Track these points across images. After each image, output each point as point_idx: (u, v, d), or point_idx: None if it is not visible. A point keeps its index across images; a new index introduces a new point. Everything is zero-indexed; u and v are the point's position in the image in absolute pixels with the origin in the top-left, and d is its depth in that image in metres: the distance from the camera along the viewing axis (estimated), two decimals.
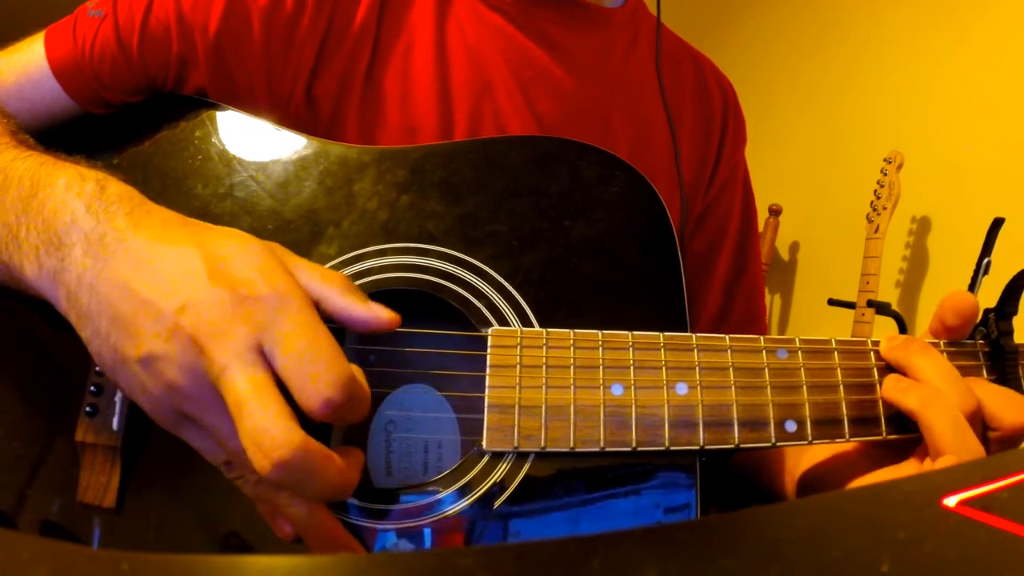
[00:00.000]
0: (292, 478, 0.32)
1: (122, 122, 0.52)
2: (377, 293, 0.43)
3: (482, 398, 0.40)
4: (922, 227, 1.55)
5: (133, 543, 0.41)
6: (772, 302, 2.01)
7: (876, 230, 1.46)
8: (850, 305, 1.49)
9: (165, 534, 0.40)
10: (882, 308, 1.36)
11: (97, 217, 0.36)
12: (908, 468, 0.42)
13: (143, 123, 0.50)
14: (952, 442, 0.37)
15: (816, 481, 0.49)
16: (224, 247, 0.35)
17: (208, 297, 0.33)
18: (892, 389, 0.41)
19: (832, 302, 1.56)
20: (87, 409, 0.42)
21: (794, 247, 1.93)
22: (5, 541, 0.16)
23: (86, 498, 0.41)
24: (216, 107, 0.51)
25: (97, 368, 0.43)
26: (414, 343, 0.43)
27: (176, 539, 0.40)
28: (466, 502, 0.39)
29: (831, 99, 1.81)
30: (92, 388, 0.42)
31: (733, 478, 0.62)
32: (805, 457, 0.52)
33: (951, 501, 0.18)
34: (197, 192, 0.47)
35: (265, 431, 0.31)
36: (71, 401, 0.43)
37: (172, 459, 0.41)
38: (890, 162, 1.47)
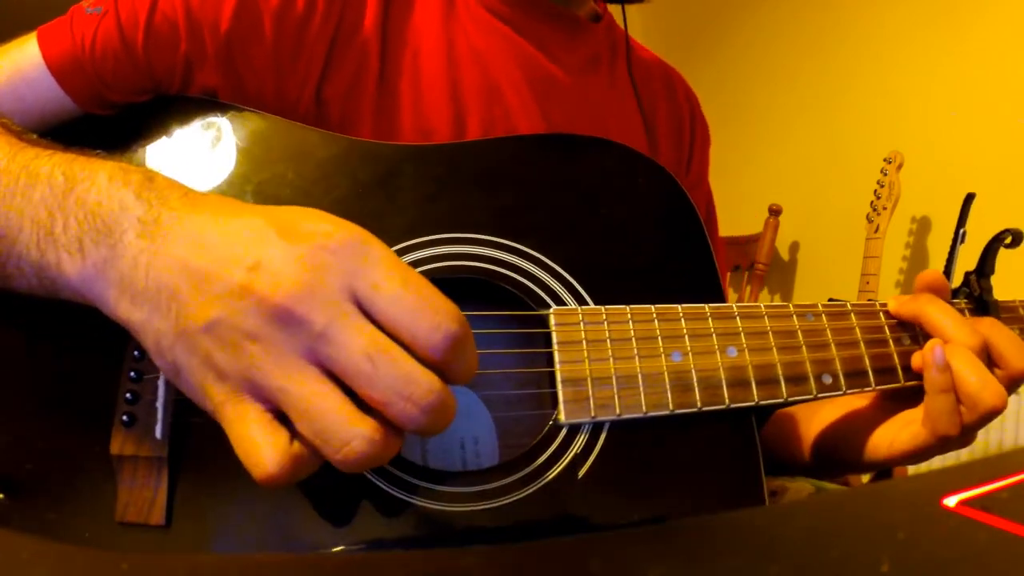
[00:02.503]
0: (434, 420, 0.31)
1: (127, 124, 0.49)
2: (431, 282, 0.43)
3: (541, 376, 0.43)
4: (922, 227, 1.55)
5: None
6: (772, 302, 2.01)
7: (876, 230, 1.46)
8: None
9: (221, 547, 0.38)
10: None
11: (150, 202, 0.34)
12: (918, 409, 0.47)
13: (152, 125, 0.48)
14: (971, 374, 0.44)
15: (835, 440, 0.54)
16: (288, 211, 0.34)
17: (284, 254, 0.31)
18: (918, 357, 0.47)
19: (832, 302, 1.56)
20: (123, 419, 0.38)
21: (794, 247, 1.93)
22: (5, 541, 0.16)
23: (127, 516, 0.37)
24: (230, 107, 0.49)
25: (132, 372, 0.39)
26: (475, 326, 0.43)
27: (234, 550, 0.38)
28: (550, 475, 0.41)
29: (831, 99, 1.81)
30: (128, 396, 0.39)
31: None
32: (815, 420, 0.56)
33: (951, 501, 0.18)
34: (223, 191, 0.45)
35: (411, 378, 0.30)
36: (100, 412, 0.39)
37: (223, 465, 0.37)
38: (890, 162, 1.47)
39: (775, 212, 1.80)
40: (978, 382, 0.44)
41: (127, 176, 0.35)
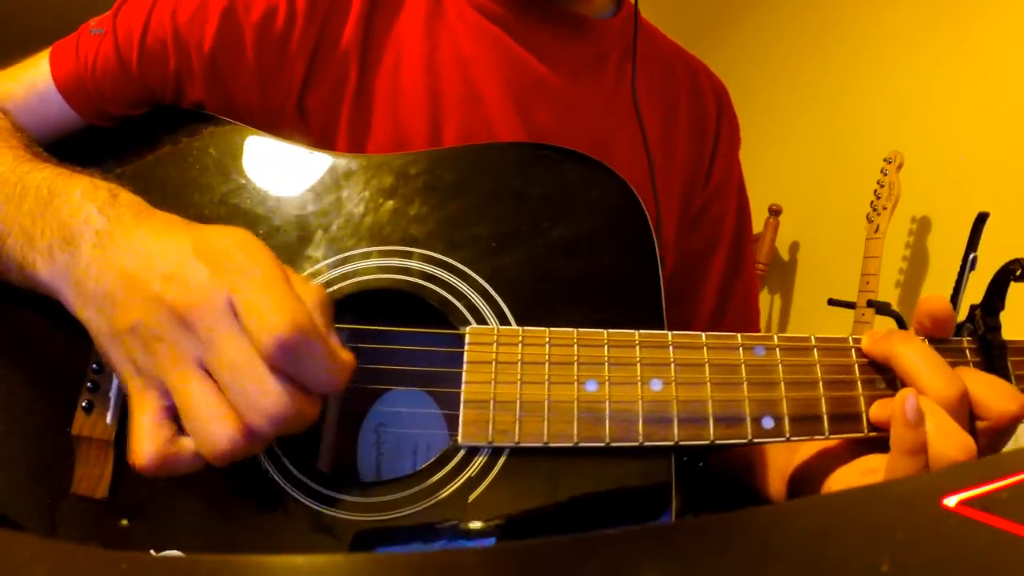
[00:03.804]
0: (281, 429, 0.34)
1: (124, 134, 0.54)
2: (361, 293, 0.44)
3: (456, 393, 0.41)
4: (922, 227, 1.55)
5: (119, 532, 0.42)
6: (772, 302, 2.01)
7: (876, 230, 1.46)
8: (850, 305, 1.49)
9: (154, 524, 0.42)
10: (882, 308, 1.36)
11: (108, 217, 0.40)
12: (884, 459, 0.41)
13: (144, 135, 0.53)
14: (937, 439, 0.37)
15: (806, 478, 0.49)
16: (215, 232, 0.37)
17: (192, 269, 0.35)
18: (877, 408, 0.41)
19: (832, 302, 1.56)
20: (83, 404, 0.44)
21: (794, 247, 1.93)
22: (5, 541, 0.16)
23: (79, 489, 0.42)
24: (213, 119, 0.53)
25: (94, 364, 0.44)
26: (397, 342, 0.44)
27: (165, 529, 0.42)
28: (441, 495, 0.40)
29: (831, 99, 1.81)
30: (89, 384, 0.44)
31: (722, 480, 0.62)
32: (797, 455, 0.51)
33: (951, 501, 0.18)
34: (195, 200, 0.49)
35: (261, 390, 0.33)
36: (68, 397, 0.44)
37: None
38: (890, 162, 1.47)
39: (775, 212, 1.80)
40: (936, 432, 0.38)
41: (96, 192, 0.41)
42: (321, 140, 0.55)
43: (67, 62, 0.53)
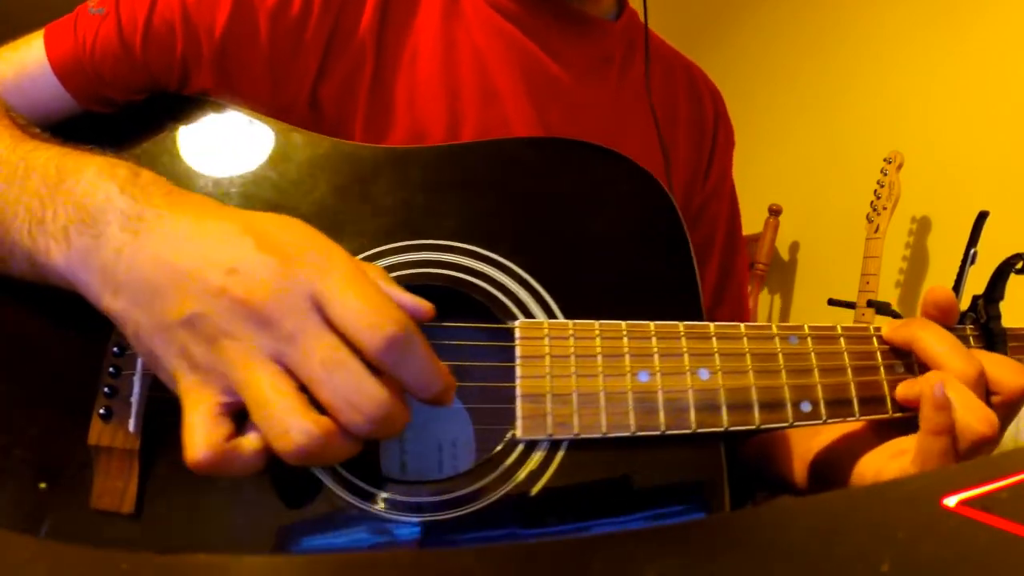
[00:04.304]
0: (379, 429, 0.33)
1: (124, 121, 0.51)
2: None
3: (509, 388, 0.41)
4: (922, 227, 1.55)
5: (153, 550, 0.39)
6: (772, 302, 2.01)
7: (876, 230, 1.46)
8: (850, 305, 1.49)
9: (189, 539, 0.39)
10: (882, 308, 1.36)
11: (134, 197, 0.36)
12: (912, 440, 0.44)
13: (147, 122, 0.50)
14: (964, 415, 0.41)
15: (830, 461, 0.51)
16: (264, 219, 0.36)
17: (258, 260, 0.34)
18: (904, 388, 0.44)
19: (832, 302, 1.56)
20: (101, 412, 0.40)
21: (794, 247, 1.93)
22: (5, 541, 0.16)
23: (101, 504, 0.39)
24: (222, 107, 0.50)
25: (111, 368, 0.41)
26: (441, 337, 0.43)
27: (201, 543, 0.39)
28: (505, 489, 0.40)
29: (831, 99, 1.81)
30: (106, 390, 0.41)
31: (744, 468, 0.63)
32: (816, 440, 0.53)
33: (951, 501, 0.18)
34: (208, 191, 0.46)
35: (360, 388, 0.32)
36: (81, 404, 0.41)
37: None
38: (890, 162, 1.47)
39: (775, 212, 1.80)
40: (963, 409, 0.41)
41: (114, 170, 0.37)
42: (334, 133, 0.53)
43: (64, 42, 0.49)
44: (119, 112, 0.51)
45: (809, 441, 0.54)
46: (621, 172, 0.48)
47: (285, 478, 0.39)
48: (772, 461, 0.59)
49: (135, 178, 0.37)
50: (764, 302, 2.01)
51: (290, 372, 0.33)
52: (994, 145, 1.41)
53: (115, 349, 0.41)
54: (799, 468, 0.55)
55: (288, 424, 0.32)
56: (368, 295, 0.33)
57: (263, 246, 0.34)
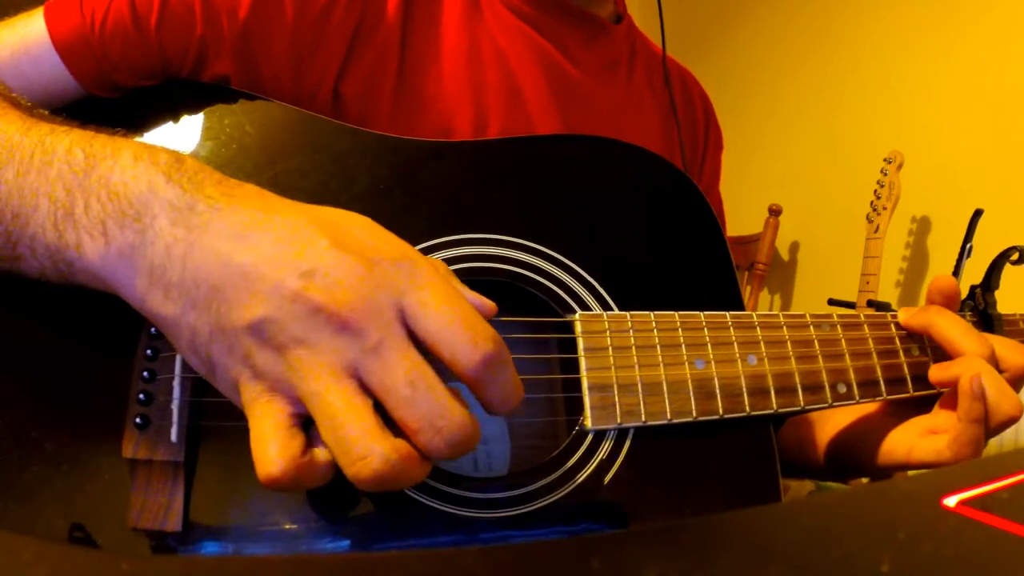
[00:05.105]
0: (457, 454, 0.31)
1: (134, 108, 0.47)
2: None
3: (558, 380, 0.43)
4: (922, 227, 1.55)
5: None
6: (772, 302, 2.01)
7: (876, 230, 1.46)
8: (850, 305, 1.49)
9: (239, 553, 0.36)
10: (882, 308, 1.36)
11: (182, 186, 0.33)
12: (938, 418, 0.48)
13: (160, 110, 0.46)
14: (990, 385, 0.44)
15: (853, 443, 0.54)
16: (336, 215, 0.33)
17: (338, 263, 0.31)
18: (936, 371, 0.48)
19: (832, 302, 1.56)
20: (136, 421, 0.36)
21: (794, 247, 1.93)
22: (5, 541, 0.16)
23: (141, 523, 0.35)
24: (244, 95, 0.47)
25: (144, 372, 0.37)
26: (500, 332, 0.43)
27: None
28: (578, 480, 0.41)
29: (831, 99, 1.81)
30: (140, 397, 0.37)
31: None
32: (829, 425, 0.57)
33: (951, 501, 0.18)
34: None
35: (444, 410, 0.30)
36: (110, 413, 0.37)
37: (244, 470, 0.35)
38: (890, 162, 1.47)
39: (775, 212, 1.80)
40: (996, 393, 0.44)
41: (155, 156, 0.34)
42: (358, 126, 0.51)
43: (69, 19, 0.45)
44: (125, 99, 0.48)
45: (824, 425, 0.58)
46: (657, 170, 0.50)
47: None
48: (789, 448, 0.61)
49: (179, 164, 0.34)
50: (764, 302, 2.01)
51: (365, 388, 0.30)
52: (994, 145, 1.41)
53: (148, 351, 0.38)
54: (816, 453, 0.58)
55: (366, 449, 0.29)
56: (462, 309, 0.31)
57: (342, 245, 0.31)
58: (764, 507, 0.19)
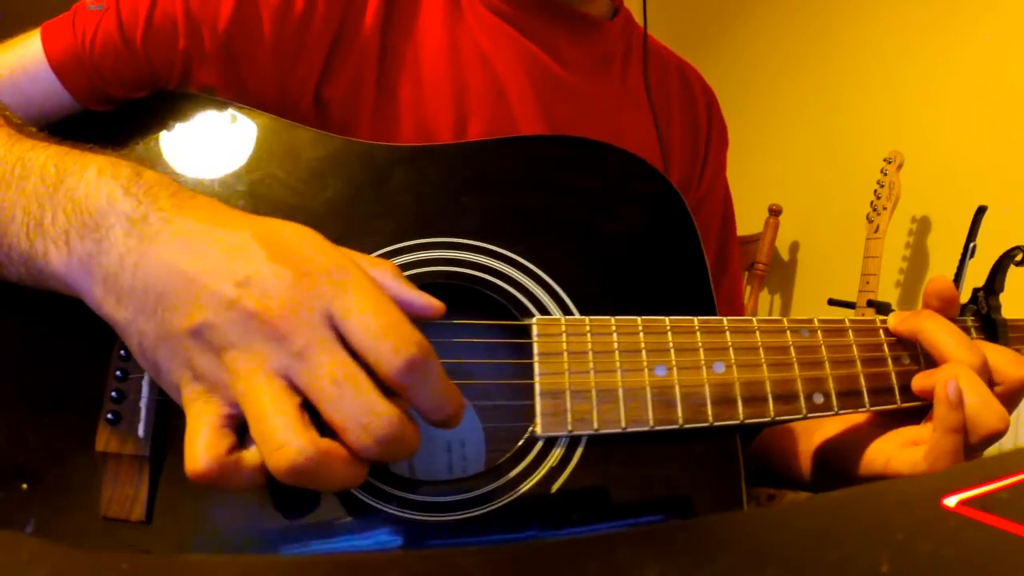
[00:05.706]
0: (388, 451, 0.32)
1: (124, 120, 0.50)
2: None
3: (525, 385, 0.41)
4: (922, 227, 1.55)
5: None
6: (772, 302, 2.01)
7: (876, 230, 1.46)
8: (850, 305, 1.49)
9: (202, 546, 0.38)
10: (882, 308, 1.36)
11: (138, 198, 0.35)
12: (922, 430, 0.45)
13: (148, 120, 0.48)
14: (973, 395, 0.41)
15: (838, 453, 0.52)
16: (276, 228, 0.35)
17: (272, 273, 0.33)
18: (919, 379, 0.45)
19: (832, 302, 1.56)
20: (108, 416, 0.39)
21: (794, 247, 1.93)
22: (5, 541, 0.16)
23: (110, 512, 0.38)
24: (226, 104, 0.49)
25: (118, 371, 0.40)
26: (457, 335, 0.43)
27: (215, 551, 0.39)
28: (525, 487, 0.40)
29: (831, 99, 1.81)
30: (113, 394, 0.39)
31: (749, 466, 0.64)
32: (819, 433, 0.54)
33: (951, 501, 0.18)
34: (214, 191, 0.45)
35: (371, 407, 0.31)
36: (88, 409, 0.40)
37: None
38: (890, 162, 1.47)
39: (775, 212, 1.80)
40: (979, 403, 0.41)
41: (116, 170, 0.36)
42: (341, 132, 0.52)
43: (62, 38, 0.48)
44: (118, 111, 0.50)
45: (812, 435, 0.55)
46: (632, 171, 0.48)
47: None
48: (776, 457, 0.59)
49: (138, 178, 0.36)
50: (764, 302, 2.01)
51: (296, 389, 0.32)
52: (994, 144, 1.41)
53: (122, 352, 0.40)
54: (803, 463, 0.56)
55: (282, 440, 0.30)
56: (388, 314, 0.32)
57: (277, 257, 0.33)
58: (764, 508, 0.19)
